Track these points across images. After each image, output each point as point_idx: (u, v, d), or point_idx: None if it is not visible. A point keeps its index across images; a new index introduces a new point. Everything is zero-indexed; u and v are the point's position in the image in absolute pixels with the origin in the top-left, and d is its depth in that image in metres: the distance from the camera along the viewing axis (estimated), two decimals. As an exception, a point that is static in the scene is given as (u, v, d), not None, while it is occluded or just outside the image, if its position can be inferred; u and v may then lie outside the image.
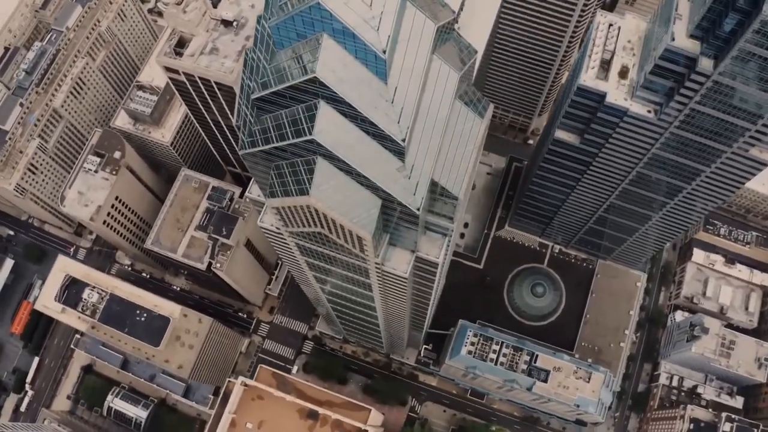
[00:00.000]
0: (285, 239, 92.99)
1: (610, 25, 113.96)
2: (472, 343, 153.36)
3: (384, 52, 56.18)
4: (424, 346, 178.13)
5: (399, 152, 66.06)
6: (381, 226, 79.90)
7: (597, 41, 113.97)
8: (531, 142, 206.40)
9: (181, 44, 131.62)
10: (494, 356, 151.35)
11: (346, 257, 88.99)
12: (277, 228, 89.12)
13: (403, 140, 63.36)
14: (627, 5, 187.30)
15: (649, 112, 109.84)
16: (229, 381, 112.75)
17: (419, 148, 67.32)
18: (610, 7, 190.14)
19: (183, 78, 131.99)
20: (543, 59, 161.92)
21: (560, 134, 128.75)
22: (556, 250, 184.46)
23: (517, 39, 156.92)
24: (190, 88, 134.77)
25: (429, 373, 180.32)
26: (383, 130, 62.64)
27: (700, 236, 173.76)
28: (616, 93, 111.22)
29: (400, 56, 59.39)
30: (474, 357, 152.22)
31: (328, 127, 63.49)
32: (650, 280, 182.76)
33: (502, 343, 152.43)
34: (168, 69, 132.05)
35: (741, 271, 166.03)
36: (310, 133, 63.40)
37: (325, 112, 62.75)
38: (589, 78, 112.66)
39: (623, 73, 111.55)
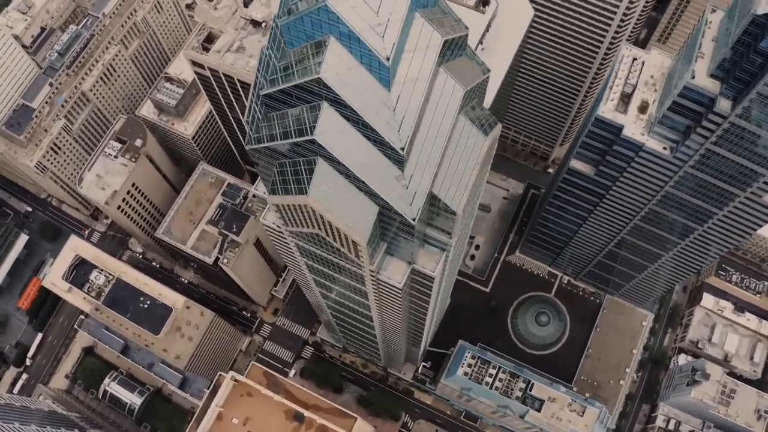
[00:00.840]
0: (286, 239, 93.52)
1: (635, 59, 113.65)
2: (469, 365, 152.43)
3: (387, 59, 56.60)
4: (423, 364, 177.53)
5: (398, 161, 66.25)
6: (378, 234, 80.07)
7: (620, 74, 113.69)
8: (551, 170, 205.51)
9: (210, 40, 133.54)
10: (490, 380, 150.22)
11: (343, 262, 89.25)
12: (278, 226, 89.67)
13: (402, 149, 63.58)
14: (659, 43, 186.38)
15: (664, 149, 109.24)
16: (220, 375, 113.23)
17: (419, 159, 67.45)
18: (642, 44, 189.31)
19: (208, 73, 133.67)
20: (568, 88, 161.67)
21: (576, 164, 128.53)
22: (565, 281, 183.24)
23: (543, 66, 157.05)
24: (214, 83, 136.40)
25: (425, 390, 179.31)
26: (383, 137, 62.95)
27: (712, 281, 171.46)
28: (633, 127, 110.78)
29: (405, 65, 59.77)
30: (470, 379, 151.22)
31: (330, 129, 63.97)
32: (657, 320, 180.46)
33: (499, 367, 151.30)
34: (194, 63, 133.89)
35: (750, 320, 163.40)
36: (312, 133, 63.97)
37: (327, 114, 63.29)
38: (608, 110, 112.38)
39: (643, 108, 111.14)
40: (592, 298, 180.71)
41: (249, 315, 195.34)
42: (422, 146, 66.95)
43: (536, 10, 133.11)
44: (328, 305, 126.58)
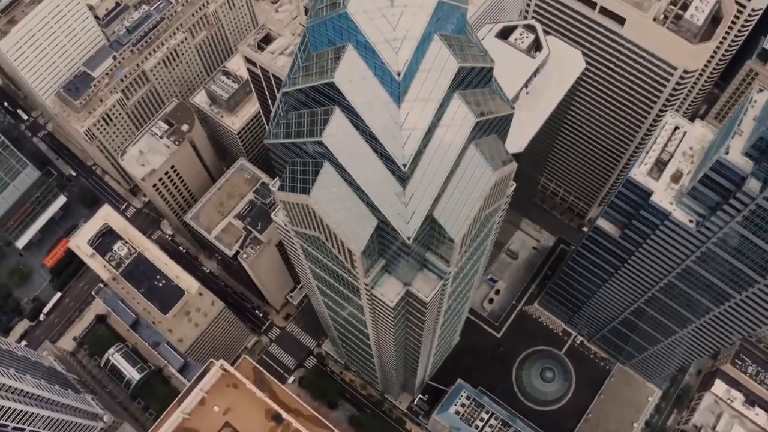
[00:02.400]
0: (293, 239, 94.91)
1: (677, 127, 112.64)
2: (462, 405, 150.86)
3: (399, 74, 57.74)
4: (420, 396, 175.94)
5: (401, 177, 66.95)
6: (376, 249, 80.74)
7: (659, 140, 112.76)
8: (585, 229, 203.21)
9: (267, 40, 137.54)
10: (480, 424, 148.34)
11: (341, 271, 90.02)
12: (285, 225, 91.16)
13: (405, 165, 64.38)
14: (715, 120, 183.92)
15: (690, 221, 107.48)
16: (210, 361, 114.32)
17: (422, 179, 68.07)
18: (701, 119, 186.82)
19: (259, 71, 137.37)
20: (611, 150, 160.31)
21: (602, 223, 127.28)
22: (578, 341, 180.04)
23: (589, 122, 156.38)
24: (263, 82, 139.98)
25: (417, 423, 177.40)
26: (387, 150, 63.92)
27: (727, 368, 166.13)
28: (663, 194, 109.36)
29: (418, 84, 60.76)
30: (461, 418, 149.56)
31: (338, 134, 65.31)
32: (665, 398, 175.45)
33: (492, 413, 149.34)
34: (247, 60, 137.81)
35: (758, 415, 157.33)
36: (320, 135, 65.42)
37: (338, 119, 64.67)
38: (640, 173, 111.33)
39: (676, 178, 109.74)
40: (602, 364, 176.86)
41: (261, 315, 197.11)
42: (426, 167, 67.61)
43: (588, 64, 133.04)
44: (330, 316, 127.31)
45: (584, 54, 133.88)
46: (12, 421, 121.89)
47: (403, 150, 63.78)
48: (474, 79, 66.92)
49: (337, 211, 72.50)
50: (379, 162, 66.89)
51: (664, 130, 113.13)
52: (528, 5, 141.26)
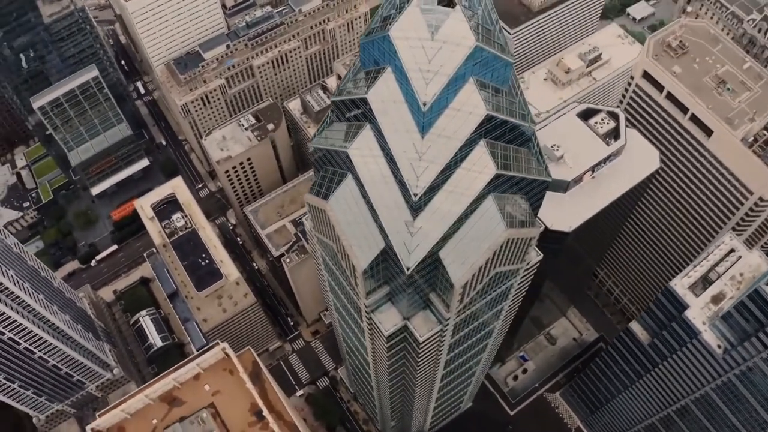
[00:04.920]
0: (316, 245, 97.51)
1: (733, 250, 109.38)
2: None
3: (425, 104, 59.75)
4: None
5: (413, 207, 68.49)
6: (381, 273, 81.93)
7: (710, 257, 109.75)
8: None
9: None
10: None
11: (348, 287, 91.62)
12: (311, 230, 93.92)
13: (416, 195, 65.90)
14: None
15: (719, 346, 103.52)
16: (216, 342, 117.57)
17: (433, 214, 69.22)
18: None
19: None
20: (673, 261, 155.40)
21: (635, 327, 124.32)
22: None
23: (655, 225, 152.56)
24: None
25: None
26: (403, 176, 65.72)
27: None
28: (698, 312, 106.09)
29: (445, 120, 62.41)
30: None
31: (364, 151, 67.69)
32: None
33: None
34: (339, 78, 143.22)
35: None
36: (347, 147, 68.09)
37: (366, 136, 67.18)
38: (681, 285, 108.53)
39: (717, 299, 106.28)
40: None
41: (291, 323, 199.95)
42: (440, 204, 68.85)
43: (664, 166, 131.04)
44: (342, 336, 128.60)
45: (663, 156, 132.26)
46: (25, 341, 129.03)
47: (418, 180, 65.38)
48: (508, 133, 67.86)
49: (349, 224, 74.55)
50: (395, 187, 68.68)
51: (718, 249, 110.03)
52: (624, 94, 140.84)
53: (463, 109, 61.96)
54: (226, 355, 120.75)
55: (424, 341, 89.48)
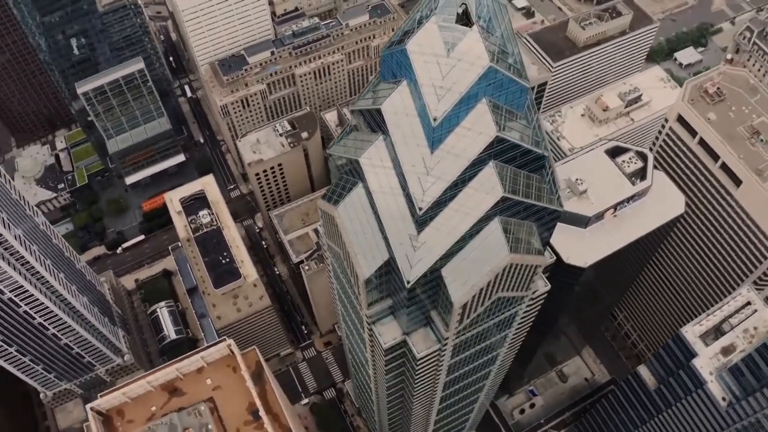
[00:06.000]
0: (327, 252, 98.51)
1: (749, 303, 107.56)
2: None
3: (435, 120, 60.48)
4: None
5: (418, 222, 69.04)
6: (384, 286, 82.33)
7: (725, 308, 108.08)
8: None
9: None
10: None
11: (353, 296, 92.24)
12: (323, 235, 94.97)
13: (421, 209, 66.48)
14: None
15: (723, 399, 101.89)
16: (224, 338, 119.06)
17: (438, 231, 69.60)
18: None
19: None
20: (691, 309, 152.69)
21: (643, 370, 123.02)
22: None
23: (675, 270, 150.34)
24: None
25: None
26: (410, 189, 66.40)
27: None
28: (706, 362, 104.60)
29: (455, 138, 62.92)
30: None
31: (375, 161, 68.63)
32: None
33: None
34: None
35: None
36: (359, 156, 69.21)
37: (378, 147, 68.18)
38: (692, 332, 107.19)
39: (727, 351, 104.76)
40: None
41: (306, 332, 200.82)
42: (445, 221, 69.31)
43: (689, 211, 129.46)
44: (348, 348, 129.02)
45: (689, 201, 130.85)
46: (40, 316, 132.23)
47: (424, 194, 65.98)
48: (519, 157, 68.15)
49: (355, 233, 75.32)
50: (403, 199, 69.33)
51: (734, 300, 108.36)
52: (657, 136, 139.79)
53: (474, 128, 62.55)
54: (231, 352, 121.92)
55: (421, 358, 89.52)
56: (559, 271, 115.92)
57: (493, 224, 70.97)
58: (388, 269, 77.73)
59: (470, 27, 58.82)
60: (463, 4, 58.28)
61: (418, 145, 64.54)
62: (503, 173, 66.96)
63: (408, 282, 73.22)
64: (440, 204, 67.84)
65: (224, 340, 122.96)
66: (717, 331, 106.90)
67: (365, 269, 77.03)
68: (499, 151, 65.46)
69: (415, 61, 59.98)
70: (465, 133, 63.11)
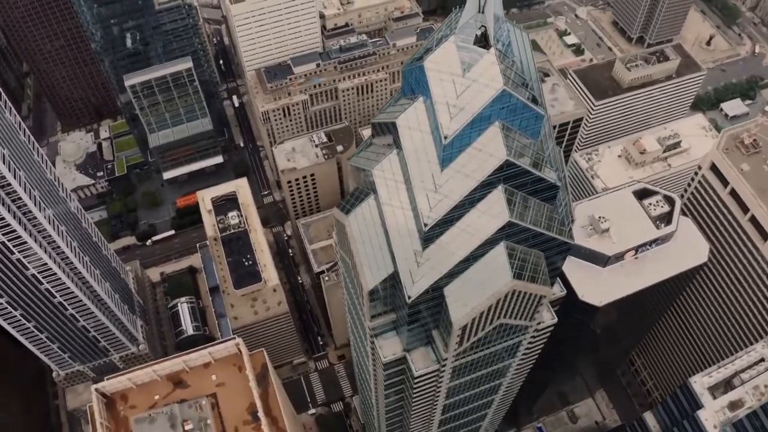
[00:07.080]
0: (340, 262, 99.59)
1: (763, 359, 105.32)
2: None
3: (446, 138, 61.24)
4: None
5: (424, 238, 69.66)
6: (389, 299, 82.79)
7: (737, 362, 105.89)
8: None
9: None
10: None
11: (359, 307, 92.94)
12: (336, 244, 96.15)
13: (426, 225, 67.12)
14: None
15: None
16: (233, 337, 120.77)
17: (442, 249, 69.96)
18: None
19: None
20: (708, 361, 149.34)
21: (648, 417, 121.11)
22: None
23: (695, 319, 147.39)
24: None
25: None
26: (417, 205, 67.18)
27: None
28: (712, 415, 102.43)
29: (466, 158, 63.48)
30: None
31: (387, 174, 69.62)
32: None
33: None
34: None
35: None
36: (373, 167, 70.35)
37: (391, 160, 69.21)
38: (701, 383, 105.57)
39: (734, 406, 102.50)
40: None
41: (321, 343, 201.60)
42: (450, 240, 69.75)
43: (712, 260, 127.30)
44: (356, 361, 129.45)
45: (714, 250, 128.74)
46: (60, 296, 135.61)
47: (431, 211, 66.65)
48: (530, 184, 68.30)
49: (363, 243, 76.11)
50: (411, 213, 70.01)
51: (748, 356, 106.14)
52: (690, 183, 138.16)
53: (484, 150, 63.14)
54: (239, 350, 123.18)
55: (419, 376, 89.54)
56: (574, 307, 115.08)
57: (498, 248, 71.09)
58: (393, 283, 78.26)
59: (488, 49, 59.75)
60: (482, 26, 59.28)
61: (429, 162, 65.39)
62: (512, 199, 67.23)
63: (409, 297, 73.66)
64: (447, 222, 68.33)
65: (233, 338, 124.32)
66: (727, 385, 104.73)
67: (370, 280, 77.71)
68: (510, 175, 65.80)
69: (432, 79, 61.05)
70: (475, 154, 63.74)
